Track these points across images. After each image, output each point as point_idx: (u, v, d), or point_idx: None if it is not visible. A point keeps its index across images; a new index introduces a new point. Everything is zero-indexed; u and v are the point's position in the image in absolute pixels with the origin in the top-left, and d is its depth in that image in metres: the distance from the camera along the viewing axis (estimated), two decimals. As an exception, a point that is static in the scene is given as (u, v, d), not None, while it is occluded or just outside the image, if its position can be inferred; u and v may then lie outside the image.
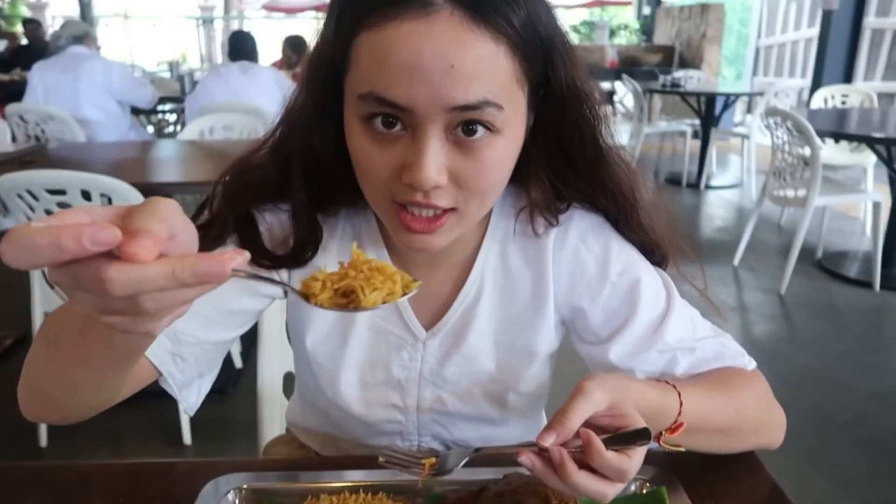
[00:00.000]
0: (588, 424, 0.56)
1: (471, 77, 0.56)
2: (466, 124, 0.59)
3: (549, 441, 0.54)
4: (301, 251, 0.73)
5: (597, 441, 0.54)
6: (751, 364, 0.77)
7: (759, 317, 3.12)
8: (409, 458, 0.59)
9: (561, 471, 0.53)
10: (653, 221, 0.76)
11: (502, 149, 0.62)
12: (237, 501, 0.64)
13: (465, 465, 0.59)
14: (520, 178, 0.71)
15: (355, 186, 0.67)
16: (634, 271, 0.75)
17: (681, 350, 0.74)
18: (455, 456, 0.59)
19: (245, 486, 0.65)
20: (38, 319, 2.00)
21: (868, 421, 2.27)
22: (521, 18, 0.58)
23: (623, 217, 0.74)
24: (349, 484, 0.65)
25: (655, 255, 0.78)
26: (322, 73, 0.64)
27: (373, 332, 0.78)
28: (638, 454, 0.55)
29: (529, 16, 0.59)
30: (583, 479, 0.53)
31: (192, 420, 2.05)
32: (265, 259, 0.73)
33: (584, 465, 0.54)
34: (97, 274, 0.36)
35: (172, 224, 0.39)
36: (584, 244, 0.75)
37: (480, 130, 0.59)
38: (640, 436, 0.55)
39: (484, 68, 0.57)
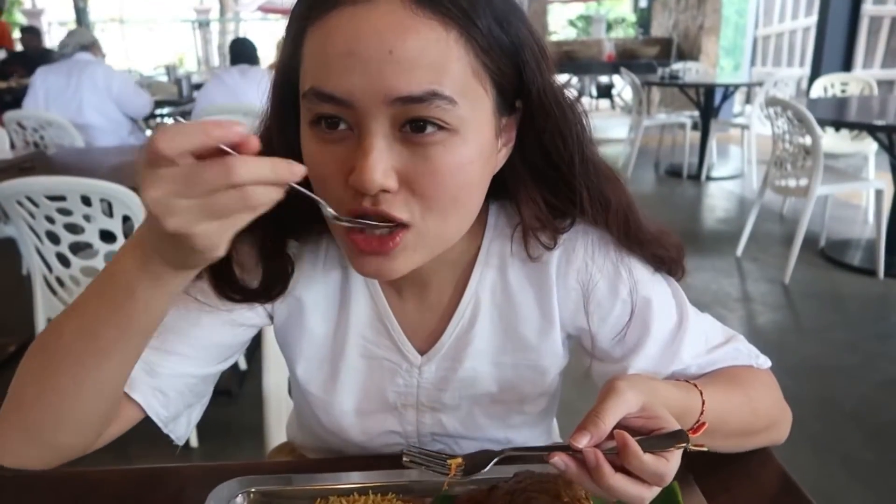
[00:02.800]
0: (620, 426, 0.54)
1: (413, 65, 0.52)
2: (415, 122, 0.53)
3: (582, 442, 0.52)
4: (269, 285, 0.70)
5: (633, 444, 0.52)
6: (766, 364, 0.75)
7: (763, 307, 3.11)
8: (434, 459, 0.58)
9: (596, 473, 0.51)
10: (658, 229, 0.73)
11: (461, 152, 0.55)
12: (246, 505, 0.63)
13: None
14: (512, 197, 0.67)
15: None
16: (645, 290, 0.71)
17: (695, 365, 0.72)
18: (483, 457, 0.58)
19: (254, 490, 0.64)
20: (40, 326, 2.00)
21: (876, 409, 2.26)
22: (480, 9, 0.54)
23: (625, 227, 0.69)
24: (358, 485, 0.64)
25: (665, 264, 0.74)
26: (280, 83, 0.62)
27: (366, 359, 0.75)
28: (675, 457, 0.53)
29: (492, 9, 0.55)
30: (619, 482, 0.52)
31: (199, 422, 2.05)
32: (235, 293, 0.69)
33: (618, 467, 0.52)
34: (224, 163, 0.45)
35: None
36: (592, 261, 0.71)
37: (431, 128, 0.53)
38: (677, 438, 0.54)
39: (429, 56, 0.52)
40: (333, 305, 0.75)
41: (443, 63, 0.53)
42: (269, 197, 0.47)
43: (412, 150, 0.54)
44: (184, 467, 0.74)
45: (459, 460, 0.57)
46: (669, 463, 0.53)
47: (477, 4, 0.54)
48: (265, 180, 0.46)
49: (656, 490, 0.53)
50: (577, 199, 0.66)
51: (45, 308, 1.98)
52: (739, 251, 3.69)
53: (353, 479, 0.65)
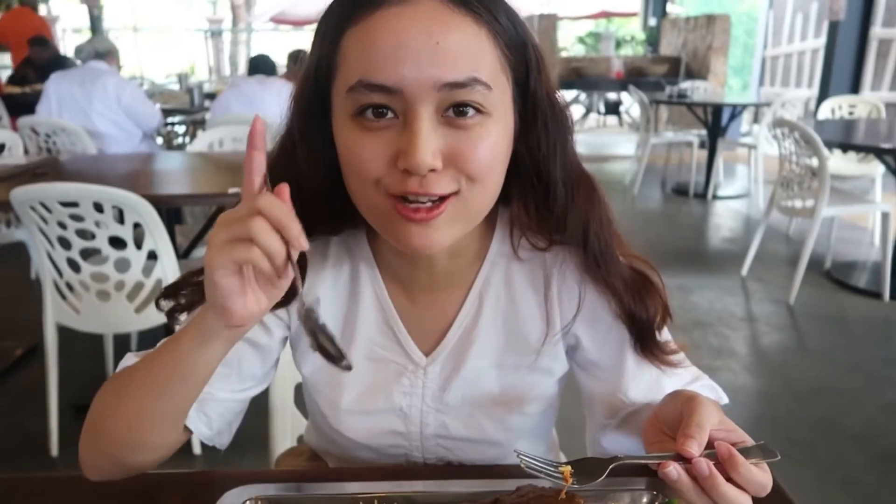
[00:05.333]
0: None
1: (456, 55, 0.58)
2: (457, 106, 0.59)
3: (694, 449, 0.54)
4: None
5: (738, 454, 0.54)
6: (724, 400, 0.77)
7: (768, 327, 3.11)
8: (547, 467, 0.59)
9: (710, 482, 0.53)
10: (632, 266, 0.72)
11: (493, 131, 0.61)
12: (252, 512, 0.64)
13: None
14: (507, 196, 0.70)
15: (336, 214, 0.70)
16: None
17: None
18: (594, 465, 0.59)
19: (261, 497, 0.65)
20: (49, 330, 2.01)
21: (879, 433, 2.25)
22: (499, 9, 0.61)
23: (590, 240, 0.70)
24: (363, 494, 0.65)
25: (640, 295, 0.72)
26: (309, 87, 0.65)
27: (372, 361, 0.78)
28: (767, 469, 0.55)
29: (506, 11, 0.61)
30: (730, 491, 0.53)
31: (202, 431, 2.06)
32: None
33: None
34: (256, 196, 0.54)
35: None
36: (593, 277, 0.72)
37: (471, 111, 0.59)
38: (764, 451, 0.56)
39: (469, 47, 0.58)
40: (341, 309, 0.78)
41: (479, 54, 0.59)
42: (270, 239, 0.53)
43: (454, 132, 0.60)
44: (191, 474, 0.75)
45: (570, 468, 0.59)
46: (768, 473, 0.55)
47: (498, 4, 0.61)
48: (281, 221, 0.53)
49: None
50: (554, 202, 0.68)
51: (54, 312, 2.00)
52: (745, 271, 3.70)
53: (357, 489, 0.66)
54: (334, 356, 0.58)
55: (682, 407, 0.59)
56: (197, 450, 2.04)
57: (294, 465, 0.97)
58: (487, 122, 0.60)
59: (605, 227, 0.70)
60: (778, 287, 3.54)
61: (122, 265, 1.92)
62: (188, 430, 0.73)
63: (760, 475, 0.54)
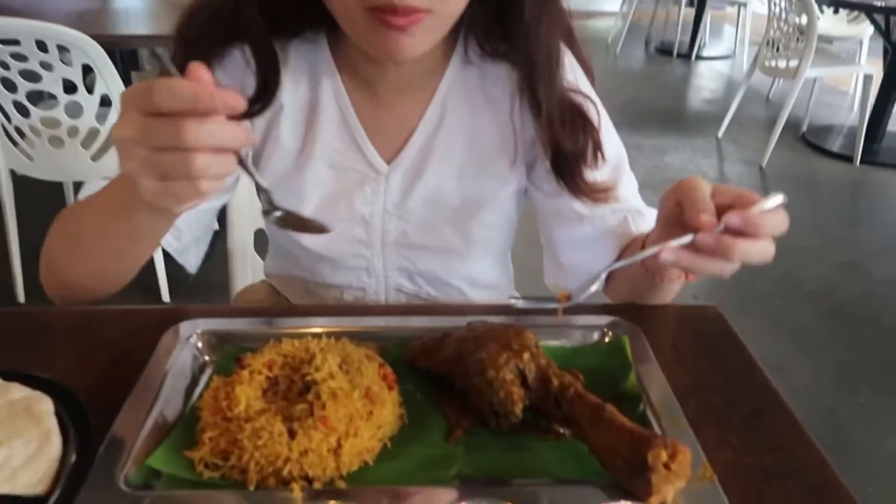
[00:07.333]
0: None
1: None
2: None
3: (709, 219, 0.53)
4: (266, 87, 0.71)
5: (752, 214, 0.53)
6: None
7: (738, 188, 3.13)
8: (540, 298, 0.61)
9: (723, 248, 0.52)
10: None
11: None
12: (199, 345, 0.63)
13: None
14: None
15: (296, 13, 0.68)
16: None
17: (631, 213, 0.76)
18: (587, 283, 0.60)
19: (207, 330, 0.64)
20: (3, 177, 1.94)
21: (833, 289, 2.34)
22: None
23: (548, 68, 0.70)
24: (314, 329, 0.65)
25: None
26: None
27: (333, 169, 0.77)
28: (780, 210, 0.54)
29: None
30: (746, 245, 0.52)
31: (170, 278, 2.07)
32: None
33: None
34: (177, 124, 0.44)
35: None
36: (551, 93, 0.72)
37: None
38: (775, 199, 0.54)
39: None
40: (301, 114, 0.76)
41: None
42: (216, 169, 0.47)
43: None
44: (143, 309, 0.74)
45: (566, 293, 0.60)
46: (782, 214, 0.54)
47: None
48: (217, 146, 0.46)
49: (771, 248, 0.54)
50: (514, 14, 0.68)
51: (6, 159, 1.92)
52: (721, 132, 3.67)
53: (310, 324, 0.66)
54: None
55: (676, 196, 0.57)
56: (166, 297, 2.06)
57: (252, 301, 0.97)
58: None
59: (555, 50, 0.70)
60: (752, 149, 3.53)
61: (74, 110, 1.82)
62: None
63: (772, 218, 0.53)
